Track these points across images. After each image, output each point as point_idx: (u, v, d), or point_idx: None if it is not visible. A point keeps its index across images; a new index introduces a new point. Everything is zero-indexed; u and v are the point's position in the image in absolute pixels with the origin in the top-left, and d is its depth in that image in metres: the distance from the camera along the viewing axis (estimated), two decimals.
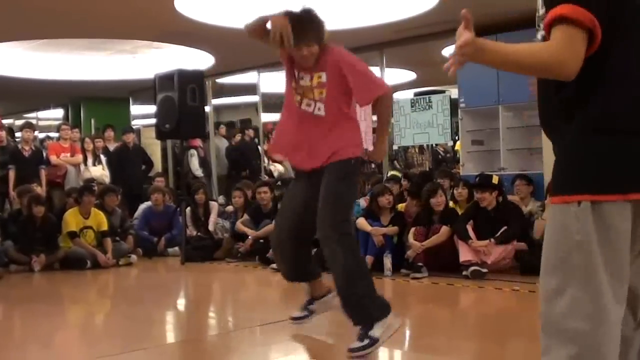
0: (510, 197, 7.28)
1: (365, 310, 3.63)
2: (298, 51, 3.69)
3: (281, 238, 4.03)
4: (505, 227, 6.35)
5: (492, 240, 6.28)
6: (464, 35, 1.70)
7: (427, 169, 11.04)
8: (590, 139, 1.72)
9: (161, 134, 8.35)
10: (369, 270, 3.95)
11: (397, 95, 12.25)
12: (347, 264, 3.61)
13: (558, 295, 1.73)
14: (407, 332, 4.75)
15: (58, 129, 10.48)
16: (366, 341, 3.54)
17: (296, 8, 3.73)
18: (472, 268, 6.14)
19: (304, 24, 3.67)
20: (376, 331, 3.57)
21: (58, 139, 10.36)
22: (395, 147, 10.75)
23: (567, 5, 1.67)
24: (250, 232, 7.97)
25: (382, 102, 3.81)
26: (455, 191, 7.16)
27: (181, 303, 6.43)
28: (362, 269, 3.76)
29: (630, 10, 1.74)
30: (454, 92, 9.43)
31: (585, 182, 1.72)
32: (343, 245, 3.62)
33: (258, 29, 3.77)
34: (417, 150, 11.91)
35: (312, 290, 4.20)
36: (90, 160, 9.99)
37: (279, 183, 9.58)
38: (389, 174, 9.35)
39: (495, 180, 6.60)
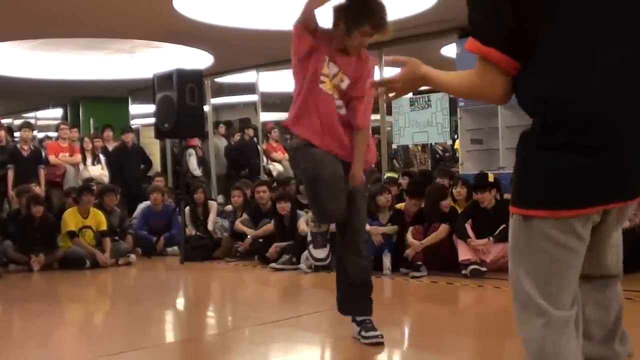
0: (508, 196, 7.30)
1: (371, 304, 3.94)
2: (360, 36, 3.58)
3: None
4: (504, 225, 6.35)
5: (491, 238, 6.28)
6: (400, 74, 1.95)
7: (429, 168, 11.03)
8: (531, 152, 1.79)
9: (160, 134, 8.35)
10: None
11: None
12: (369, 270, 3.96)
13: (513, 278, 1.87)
14: (407, 331, 4.76)
15: (57, 128, 10.48)
16: (379, 331, 3.87)
17: None
18: (472, 267, 6.14)
19: (385, 11, 3.57)
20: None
21: (57, 138, 10.37)
22: (394, 146, 10.75)
23: (472, 41, 1.82)
24: (250, 232, 7.97)
25: (364, 133, 3.80)
26: (454, 190, 7.16)
27: (180, 302, 6.43)
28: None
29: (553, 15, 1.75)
30: None
31: (518, 198, 1.83)
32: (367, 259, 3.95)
33: None
34: (419, 148, 11.90)
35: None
36: (89, 160, 10.00)
37: (274, 185, 9.56)
38: (385, 177, 9.33)
39: (491, 178, 6.61)
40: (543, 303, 1.77)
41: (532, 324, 1.79)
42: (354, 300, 3.92)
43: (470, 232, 6.38)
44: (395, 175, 9.29)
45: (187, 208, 8.55)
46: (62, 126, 10.21)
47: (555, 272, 1.78)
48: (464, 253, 6.29)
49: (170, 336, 4.91)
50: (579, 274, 1.81)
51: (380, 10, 3.55)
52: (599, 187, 1.72)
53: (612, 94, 1.69)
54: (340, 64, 3.70)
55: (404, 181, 8.21)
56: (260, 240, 7.81)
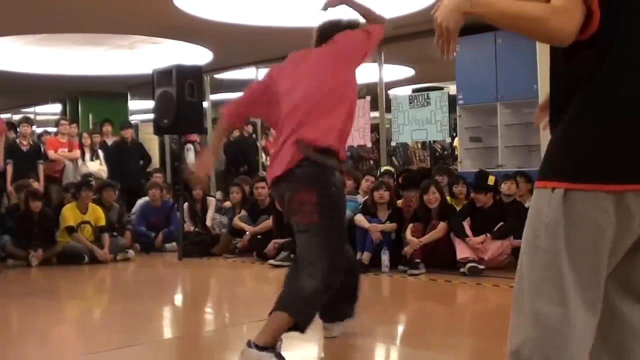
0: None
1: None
2: None
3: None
4: (502, 223, 6.36)
5: (489, 235, 6.29)
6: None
7: (429, 165, 11.03)
8: (581, 125, 1.71)
9: (159, 129, 8.34)
10: None
11: (395, 92, 12.27)
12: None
13: (526, 274, 1.77)
14: (405, 329, 4.76)
15: (57, 124, 10.47)
16: None
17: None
18: (470, 265, 6.15)
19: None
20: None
21: (56, 133, 10.36)
22: (393, 144, 10.75)
23: None
24: (248, 228, 7.97)
25: None
26: (454, 188, 7.16)
27: (178, 298, 6.44)
28: None
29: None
30: (452, 89, 9.42)
31: (561, 169, 1.72)
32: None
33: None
34: (419, 145, 11.90)
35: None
36: (87, 155, 9.99)
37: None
38: (382, 169, 9.34)
39: (491, 181, 6.59)
40: (573, 288, 1.70)
41: (547, 316, 1.71)
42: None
43: (467, 231, 6.38)
44: (391, 168, 9.29)
45: (186, 204, 8.55)
46: (62, 121, 10.21)
47: (591, 255, 1.71)
48: (462, 251, 6.30)
49: (168, 332, 4.91)
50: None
51: None
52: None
53: None
54: None
55: (400, 179, 8.18)
56: (259, 236, 7.82)
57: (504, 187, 6.64)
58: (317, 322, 4.06)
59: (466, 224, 6.46)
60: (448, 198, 7.03)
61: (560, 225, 1.71)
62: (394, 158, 11.58)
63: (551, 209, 1.71)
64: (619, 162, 1.68)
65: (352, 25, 3.60)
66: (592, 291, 1.73)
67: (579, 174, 1.69)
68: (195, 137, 11.21)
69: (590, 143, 1.68)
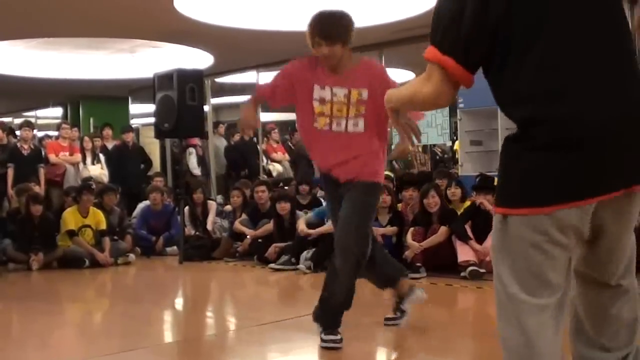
0: None
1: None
2: (318, 48, 3.62)
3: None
4: None
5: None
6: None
7: (429, 169, 11.01)
8: (511, 152, 1.83)
9: (160, 133, 8.35)
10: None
11: None
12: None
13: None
14: (405, 333, 4.75)
15: (58, 127, 10.48)
16: (398, 314, 4.15)
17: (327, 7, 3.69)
18: (471, 268, 6.13)
19: (331, 21, 3.64)
20: (406, 305, 4.13)
21: (57, 137, 10.37)
22: (393, 147, 10.74)
23: (430, 49, 1.87)
24: (249, 232, 7.97)
25: None
26: (448, 191, 7.15)
27: (179, 302, 6.43)
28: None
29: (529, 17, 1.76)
30: None
31: (500, 197, 1.87)
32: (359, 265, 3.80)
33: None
34: (419, 149, 11.89)
35: (399, 291, 4.21)
36: (88, 159, 10.01)
37: (281, 184, 9.56)
38: None
39: (495, 182, 6.58)
40: (523, 296, 1.83)
41: (511, 318, 1.89)
42: None
43: (470, 233, 6.37)
44: (390, 174, 9.28)
45: (187, 208, 8.55)
46: (63, 125, 10.22)
47: (531, 271, 1.81)
48: (463, 254, 6.29)
49: (169, 336, 4.91)
50: (561, 275, 1.82)
51: (325, 20, 3.61)
52: (569, 184, 1.73)
53: (586, 92, 1.71)
54: (342, 82, 3.74)
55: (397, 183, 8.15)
56: (260, 240, 7.81)
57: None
58: (315, 327, 4.07)
59: (467, 227, 6.45)
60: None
61: (502, 246, 1.89)
62: (394, 162, 11.57)
63: (499, 230, 1.89)
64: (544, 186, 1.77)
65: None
66: (544, 298, 1.82)
67: (510, 201, 1.83)
68: (196, 141, 11.22)
69: (518, 172, 1.81)
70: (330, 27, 3.61)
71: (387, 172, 9.33)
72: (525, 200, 1.77)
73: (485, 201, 6.44)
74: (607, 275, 1.91)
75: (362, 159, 3.74)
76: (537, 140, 1.73)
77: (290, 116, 16.00)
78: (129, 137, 10.59)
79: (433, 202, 6.59)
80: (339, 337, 3.82)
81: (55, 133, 11.01)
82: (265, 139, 11.87)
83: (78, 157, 9.88)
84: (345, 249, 3.75)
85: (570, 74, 1.73)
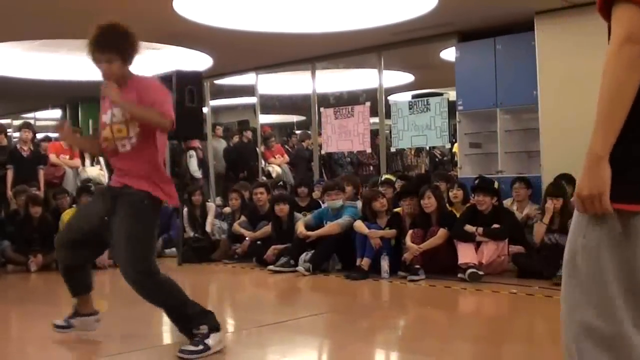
0: (507, 200, 7.31)
1: (193, 320, 3.89)
2: (96, 62, 3.79)
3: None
4: (497, 225, 6.38)
5: (479, 229, 6.30)
6: None
7: (423, 172, 11.02)
8: (623, 146, 1.67)
9: None
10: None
11: (395, 98, 12.28)
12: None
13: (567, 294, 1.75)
14: (404, 335, 4.76)
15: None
16: (200, 346, 3.80)
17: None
18: (470, 270, 6.14)
19: (100, 31, 3.76)
20: (211, 340, 3.81)
21: (57, 139, 10.36)
22: (392, 150, 10.75)
23: None
24: (247, 234, 7.97)
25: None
26: (450, 193, 7.16)
27: None
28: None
29: None
30: (452, 95, 9.43)
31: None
32: (151, 285, 3.94)
33: None
34: (412, 152, 11.92)
35: (79, 306, 4.27)
36: (87, 161, 10.00)
37: (281, 183, 9.55)
38: (383, 178, 9.34)
39: (496, 185, 6.64)
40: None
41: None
42: None
43: (468, 228, 6.41)
44: (392, 177, 9.30)
45: (185, 210, 8.55)
46: None
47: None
48: (464, 256, 6.29)
49: (167, 338, 4.90)
50: None
51: (97, 32, 3.65)
52: None
53: None
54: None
55: (399, 185, 8.18)
56: (258, 242, 7.82)
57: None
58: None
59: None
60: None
61: (603, 246, 1.71)
62: (394, 165, 11.56)
63: (592, 228, 1.72)
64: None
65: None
66: None
67: (617, 194, 1.67)
68: (197, 143, 11.22)
69: (627, 165, 1.67)
70: (99, 37, 3.93)
71: (388, 177, 9.37)
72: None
73: (485, 201, 6.46)
74: None
75: None
76: None
77: (289, 118, 16.02)
78: None
79: (429, 202, 6.60)
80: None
81: (55, 135, 10.99)
82: (263, 141, 11.85)
83: (78, 162, 9.91)
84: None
85: None
